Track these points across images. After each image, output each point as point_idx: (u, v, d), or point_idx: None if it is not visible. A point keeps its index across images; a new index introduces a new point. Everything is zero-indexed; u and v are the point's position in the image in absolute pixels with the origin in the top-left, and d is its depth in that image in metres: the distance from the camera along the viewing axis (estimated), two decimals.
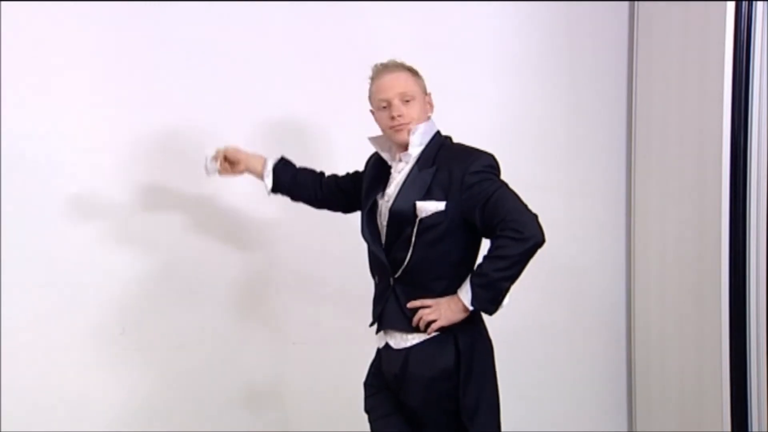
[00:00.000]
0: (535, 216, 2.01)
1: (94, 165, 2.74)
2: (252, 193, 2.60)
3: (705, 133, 2.76)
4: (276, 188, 2.38)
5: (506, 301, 2.06)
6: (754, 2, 2.58)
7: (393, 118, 2.13)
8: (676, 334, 2.99)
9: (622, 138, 3.24)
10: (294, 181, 2.38)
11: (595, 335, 3.27)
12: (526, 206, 2.02)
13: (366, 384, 2.27)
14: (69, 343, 2.75)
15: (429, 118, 2.19)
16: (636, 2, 3.15)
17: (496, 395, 2.17)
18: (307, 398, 2.95)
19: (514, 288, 3.13)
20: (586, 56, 3.17)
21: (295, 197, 2.42)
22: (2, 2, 2.61)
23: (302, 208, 2.49)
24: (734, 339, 2.68)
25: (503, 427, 3.13)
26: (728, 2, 2.61)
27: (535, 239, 1.97)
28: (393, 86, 2.15)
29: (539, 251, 3.15)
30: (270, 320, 2.91)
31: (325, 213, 2.48)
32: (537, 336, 3.21)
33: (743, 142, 2.63)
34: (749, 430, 2.68)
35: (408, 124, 2.13)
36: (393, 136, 2.16)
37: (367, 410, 2.25)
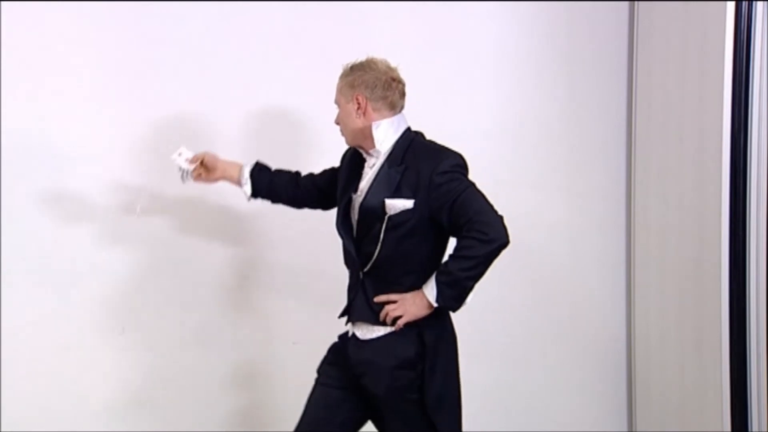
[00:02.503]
0: (501, 217, 2.07)
1: (94, 165, 2.75)
2: None
3: (705, 133, 2.76)
4: (255, 193, 2.41)
5: (470, 298, 2.12)
6: (754, 2, 2.58)
7: None
8: (676, 334, 2.99)
9: (622, 138, 3.24)
10: (271, 185, 2.42)
11: (595, 335, 3.27)
12: (492, 207, 2.08)
13: (320, 369, 2.30)
14: (69, 343, 2.75)
15: (390, 112, 2.18)
16: (636, 2, 3.15)
17: (459, 390, 2.22)
18: None
19: (515, 288, 3.17)
20: (586, 56, 3.17)
21: (274, 200, 2.45)
22: (2, 2, 2.61)
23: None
24: (734, 339, 2.68)
25: (504, 427, 3.16)
26: (728, 2, 2.61)
27: (500, 241, 2.04)
28: None
29: (538, 252, 3.19)
30: (270, 320, 2.91)
31: (325, 213, 2.48)
32: (537, 336, 3.21)
33: (743, 142, 2.63)
34: (749, 430, 2.68)
35: (342, 129, 2.22)
36: None
37: (314, 397, 2.27)
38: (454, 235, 2.11)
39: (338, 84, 2.21)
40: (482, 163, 3.08)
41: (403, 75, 2.95)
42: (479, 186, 3.06)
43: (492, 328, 3.16)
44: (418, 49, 3.00)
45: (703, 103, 2.77)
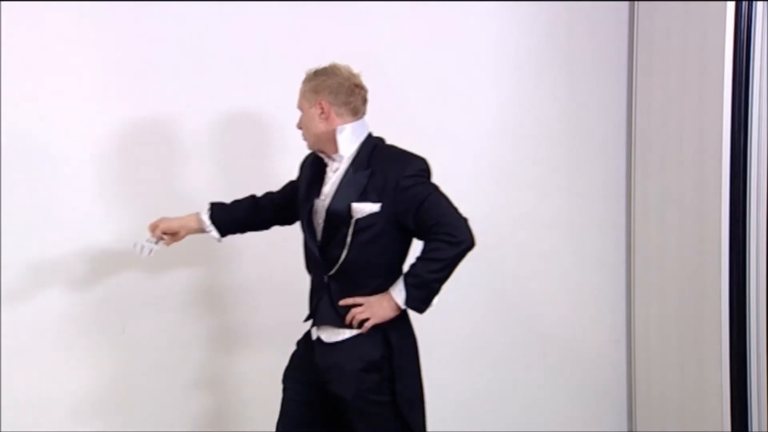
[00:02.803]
0: (466, 220, 2.12)
1: (93, 165, 2.74)
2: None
3: (705, 133, 2.76)
4: (223, 233, 2.42)
5: (435, 300, 2.15)
6: (754, 2, 2.58)
7: None
8: (676, 334, 2.99)
9: (622, 138, 3.24)
10: (234, 220, 2.43)
11: (595, 335, 3.27)
12: (457, 210, 2.12)
13: (285, 376, 2.31)
14: (69, 343, 2.75)
15: (352, 117, 2.20)
16: (636, 2, 3.15)
17: (423, 390, 2.25)
18: None
19: (515, 287, 3.17)
20: (586, 56, 3.17)
21: (243, 231, 2.47)
22: (2, 2, 2.61)
23: None
24: (734, 339, 2.68)
25: (504, 427, 3.16)
26: (728, 2, 2.61)
27: (467, 242, 2.09)
28: None
29: (539, 252, 3.19)
30: (272, 320, 2.91)
31: None
32: (537, 336, 3.21)
33: (743, 142, 2.63)
34: (749, 430, 2.68)
35: (304, 134, 2.24)
36: None
37: (285, 400, 2.30)
38: (420, 238, 2.15)
39: (301, 89, 2.23)
40: (482, 163, 3.12)
41: (403, 75, 3.01)
42: (478, 186, 3.11)
43: (492, 328, 3.16)
44: (418, 49, 3.00)
45: (703, 103, 2.77)
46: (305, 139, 2.25)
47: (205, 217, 2.41)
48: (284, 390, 2.31)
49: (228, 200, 2.74)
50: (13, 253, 2.67)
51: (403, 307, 2.12)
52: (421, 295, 2.12)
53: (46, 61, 2.67)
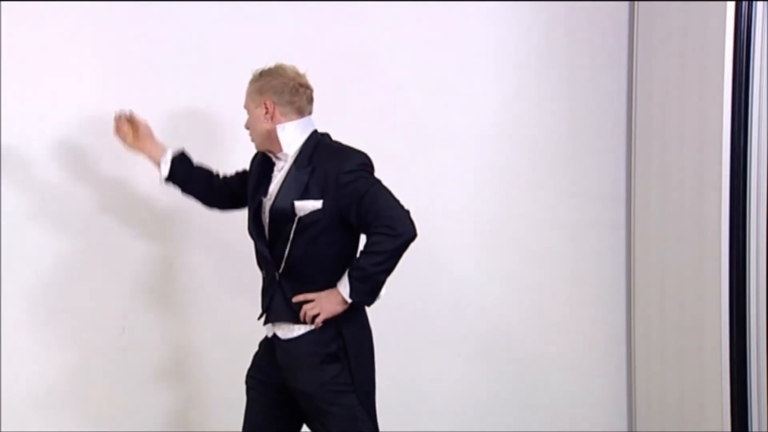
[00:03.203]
0: (407, 212, 2.14)
1: (93, 165, 2.75)
2: None
3: (705, 133, 2.76)
4: (170, 177, 2.43)
5: (383, 292, 2.19)
6: (754, 2, 2.58)
7: None
8: (676, 334, 2.99)
9: (622, 138, 3.24)
10: (188, 175, 2.45)
11: (595, 335, 3.27)
12: (398, 203, 2.15)
13: (248, 376, 2.34)
14: (69, 343, 2.75)
15: (297, 116, 2.23)
16: (636, 2, 3.15)
17: (374, 382, 2.29)
18: None
19: (515, 287, 3.17)
20: (586, 56, 3.17)
21: (185, 190, 2.47)
22: (2, 2, 2.61)
23: None
24: (734, 339, 2.68)
25: (504, 427, 3.16)
26: (728, 2, 2.61)
27: (408, 234, 2.11)
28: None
29: (540, 252, 3.19)
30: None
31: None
32: (537, 336, 3.21)
33: (743, 142, 2.63)
34: (749, 430, 2.68)
35: (251, 134, 2.28)
36: None
37: (248, 401, 2.33)
38: (363, 232, 2.17)
39: (247, 89, 2.26)
40: (482, 162, 3.12)
41: (404, 75, 3.01)
42: (478, 186, 3.11)
43: (492, 328, 3.16)
44: (418, 49, 3.01)
45: (703, 103, 2.77)
46: (252, 139, 2.28)
47: (170, 153, 2.42)
48: (247, 391, 2.34)
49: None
50: (13, 253, 2.68)
51: (349, 300, 2.14)
52: (366, 288, 2.15)
53: (46, 61, 2.67)
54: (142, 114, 2.75)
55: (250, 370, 2.35)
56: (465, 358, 3.14)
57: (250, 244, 2.49)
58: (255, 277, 2.80)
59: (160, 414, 2.86)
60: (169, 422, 2.86)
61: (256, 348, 2.40)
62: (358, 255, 2.18)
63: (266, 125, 2.22)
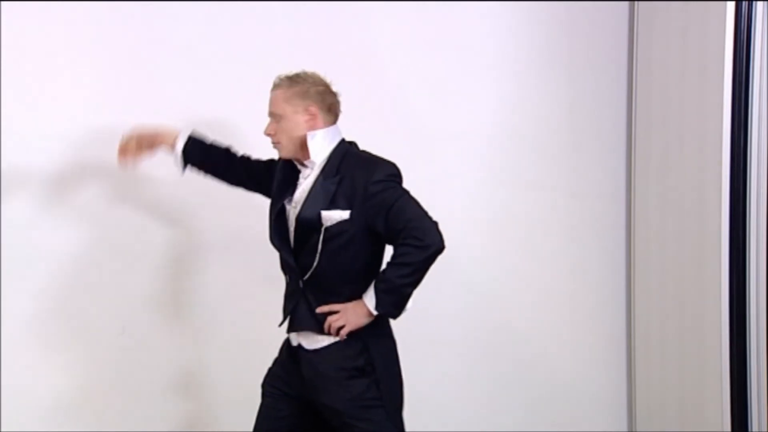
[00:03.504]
0: (436, 223, 2.09)
1: (93, 165, 2.74)
2: (260, 197, 2.59)
3: (705, 133, 2.77)
4: (186, 164, 2.40)
5: (409, 304, 2.14)
6: (754, 2, 2.59)
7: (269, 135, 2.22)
8: (676, 334, 2.99)
9: (622, 138, 3.24)
10: (203, 162, 2.40)
11: (595, 335, 3.27)
12: (426, 213, 2.10)
13: (268, 384, 2.31)
14: (69, 343, 2.75)
15: (332, 123, 2.19)
16: (636, 2, 3.15)
17: (402, 394, 2.26)
18: None
19: (515, 287, 3.17)
20: (585, 56, 3.17)
21: (206, 174, 2.43)
22: (2, 2, 2.61)
23: None
24: (734, 339, 2.68)
25: (504, 427, 3.16)
26: (728, 2, 2.61)
27: (436, 246, 2.06)
28: (269, 104, 2.21)
29: (540, 252, 3.19)
30: (276, 320, 2.91)
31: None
32: (537, 336, 3.21)
33: (743, 142, 2.64)
34: (749, 430, 2.68)
35: (278, 143, 2.19)
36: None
37: (263, 407, 2.30)
38: (390, 243, 2.13)
39: (281, 95, 2.17)
40: (482, 162, 3.12)
41: (404, 75, 3.01)
42: (478, 186, 3.11)
43: (492, 328, 3.16)
44: (418, 49, 3.00)
45: (703, 103, 2.77)
46: (281, 146, 2.19)
47: (179, 147, 2.38)
48: (264, 396, 2.31)
49: (225, 202, 2.74)
50: (13, 252, 2.67)
51: (375, 313, 2.11)
52: (392, 300, 2.11)
53: (46, 61, 2.67)
54: (142, 114, 2.75)
55: (269, 377, 2.31)
56: (465, 358, 3.14)
57: (255, 244, 2.50)
58: (258, 278, 2.82)
59: (161, 414, 2.86)
60: (171, 423, 2.86)
61: (260, 349, 2.40)
62: (384, 266, 2.13)
63: (305, 132, 2.15)
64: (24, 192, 2.69)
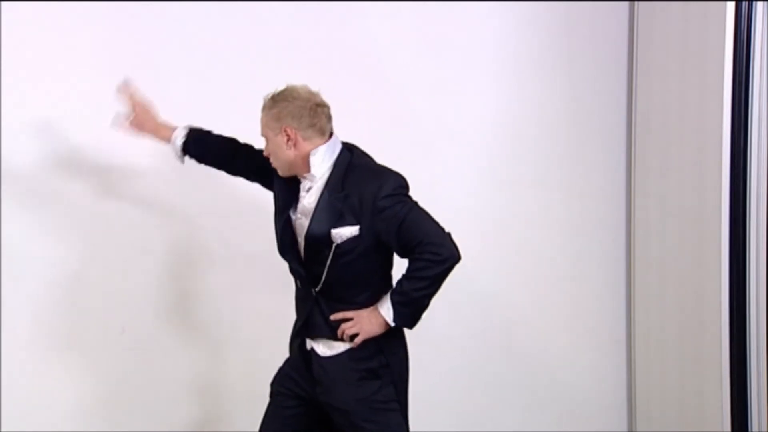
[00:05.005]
0: (449, 235, 2.09)
1: (93, 165, 2.74)
2: (257, 194, 2.59)
3: (705, 133, 2.77)
4: (186, 149, 2.36)
5: (424, 314, 2.15)
6: (754, 2, 2.59)
7: None
8: (676, 334, 2.99)
9: (622, 138, 3.24)
10: (204, 154, 2.38)
11: (595, 335, 3.27)
12: (438, 225, 2.09)
13: (278, 384, 2.30)
14: (69, 343, 2.75)
15: (322, 137, 2.15)
16: (636, 2, 3.15)
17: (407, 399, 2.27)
18: None
19: (515, 287, 3.17)
20: (586, 56, 3.17)
21: (208, 165, 2.41)
22: (2, 2, 2.61)
23: None
24: (734, 339, 2.68)
25: (504, 427, 3.16)
26: (728, 2, 2.61)
27: (452, 259, 2.07)
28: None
29: (540, 252, 3.19)
30: (275, 320, 2.91)
31: None
32: (537, 336, 3.21)
33: (743, 142, 2.64)
34: (749, 430, 2.68)
35: (273, 161, 2.19)
36: None
37: (271, 406, 2.30)
38: (403, 257, 2.12)
39: (262, 118, 2.16)
40: (482, 162, 3.12)
41: (403, 75, 3.01)
42: (478, 186, 3.11)
43: (492, 327, 3.16)
44: (418, 49, 3.00)
45: (703, 103, 2.77)
46: (277, 167, 2.18)
47: (179, 143, 2.35)
48: (272, 396, 2.30)
49: (225, 202, 2.73)
50: (13, 253, 2.67)
51: (392, 324, 2.11)
52: (410, 312, 2.12)
53: (46, 61, 2.67)
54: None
55: (279, 377, 2.30)
56: (465, 358, 3.14)
57: (256, 245, 2.50)
58: (263, 277, 2.82)
59: (163, 414, 2.86)
60: (173, 424, 2.86)
61: (264, 348, 2.40)
62: (400, 279, 2.12)
63: (290, 152, 2.12)
64: (24, 192, 2.69)
